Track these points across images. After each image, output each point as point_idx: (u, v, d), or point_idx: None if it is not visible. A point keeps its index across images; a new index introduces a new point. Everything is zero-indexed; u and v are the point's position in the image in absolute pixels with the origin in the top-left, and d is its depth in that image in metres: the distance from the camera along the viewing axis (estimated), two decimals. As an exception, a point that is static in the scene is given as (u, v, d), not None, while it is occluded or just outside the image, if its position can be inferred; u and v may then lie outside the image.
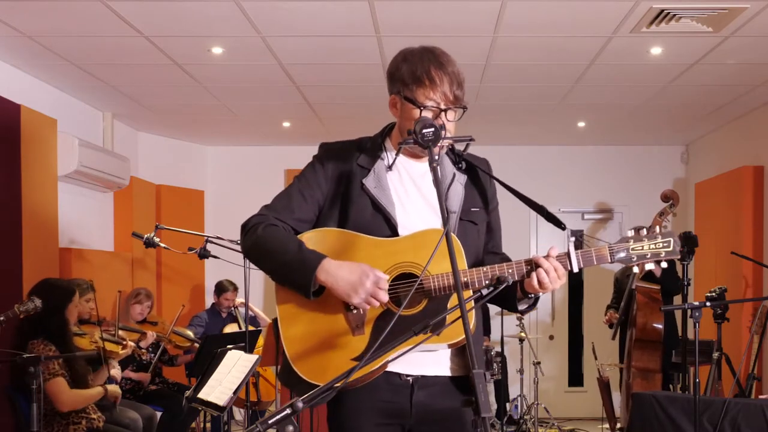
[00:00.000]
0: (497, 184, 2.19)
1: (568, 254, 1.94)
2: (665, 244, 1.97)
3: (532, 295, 2.04)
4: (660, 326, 5.10)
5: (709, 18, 4.06)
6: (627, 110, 6.22)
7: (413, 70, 1.98)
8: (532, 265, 1.94)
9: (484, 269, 1.95)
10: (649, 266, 2.06)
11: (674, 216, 5.54)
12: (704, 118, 6.49)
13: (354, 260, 1.94)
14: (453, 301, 1.95)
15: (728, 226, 6.31)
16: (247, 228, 2.05)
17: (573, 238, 1.98)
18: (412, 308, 1.96)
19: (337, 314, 1.98)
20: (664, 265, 2.00)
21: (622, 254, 1.97)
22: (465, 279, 1.93)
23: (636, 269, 2.05)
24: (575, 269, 1.95)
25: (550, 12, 4.00)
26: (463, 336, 1.92)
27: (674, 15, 4.01)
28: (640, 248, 1.97)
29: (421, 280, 1.95)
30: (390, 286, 1.94)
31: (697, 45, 4.52)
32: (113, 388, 4.27)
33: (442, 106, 1.97)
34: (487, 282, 1.95)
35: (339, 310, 1.98)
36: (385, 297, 1.90)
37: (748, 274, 5.96)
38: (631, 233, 1.99)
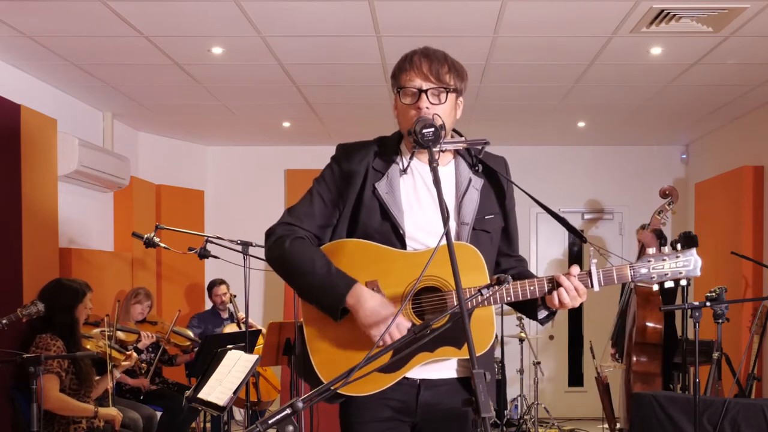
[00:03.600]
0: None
1: (589, 273, 1.96)
2: (686, 263, 1.98)
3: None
4: (660, 327, 5.08)
5: (709, 18, 4.06)
6: (627, 110, 6.22)
7: (399, 61, 2.04)
8: (554, 283, 1.96)
9: (506, 286, 1.94)
10: (669, 284, 2.04)
11: (673, 213, 5.51)
12: (704, 118, 6.49)
13: (375, 272, 1.97)
14: (475, 315, 1.97)
15: (728, 226, 6.31)
16: (272, 237, 2.06)
17: (595, 260, 2.00)
18: (437, 323, 1.98)
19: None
20: (683, 283, 2.01)
21: (643, 271, 1.98)
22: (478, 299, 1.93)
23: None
24: (596, 288, 1.97)
25: (550, 12, 4.00)
26: (485, 350, 1.98)
27: (674, 15, 4.01)
28: (661, 267, 1.98)
29: (444, 295, 1.98)
30: (414, 299, 1.98)
31: (697, 45, 4.52)
32: (108, 411, 4.12)
33: (423, 87, 1.97)
34: (509, 298, 1.97)
35: None
36: (397, 335, 1.92)
37: (748, 274, 5.96)
38: (652, 251, 2.00)
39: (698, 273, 1.98)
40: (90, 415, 4.03)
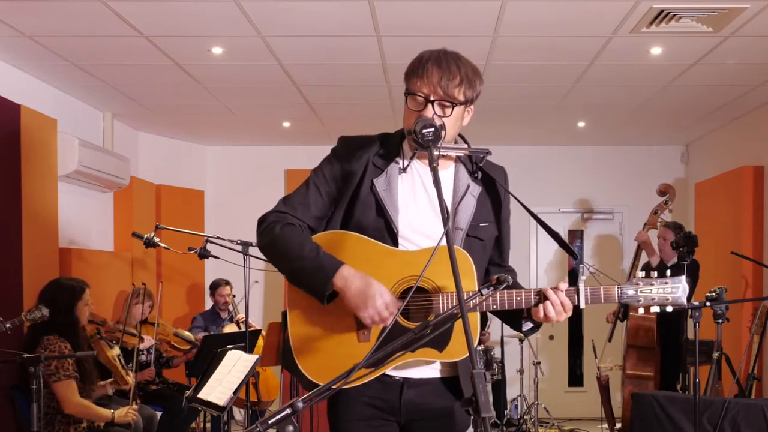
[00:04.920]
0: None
1: (577, 290, 1.97)
2: (673, 290, 2.00)
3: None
4: (652, 329, 5.05)
5: (709, 18, 4.06)
6: (627, 110, 6.22)
7: (414, 63, 2.01)
8: (541, 296, 1.97)
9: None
10: (655, 309, 2.05)
11: (671, 212, 5.48)
12: (704, 118, 6.49)
13: (365, 266, 1.95)
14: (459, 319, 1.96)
15: (728, 226, 6.31)
16: (264, 224, 2.06)
17: (584, 277, 2.03)
18: (419, 323, 1.98)
19: (346, 320, 1.99)
20: (669, 309, 2.02)
21: (630, 293, 2.00)
22: (474, 301, 1.93)
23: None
24: (582, 305, 1.98)
25: (550, 12, 4.00)
26: (465, 356, 1.98)
27: (674, 15, 4.01)
28: (648, 291, 2.00)
29: (430, 296, 1.97)
30: (400, 299, 1.96)
31: (697, 45, 4.52)
32: (123, 414, 4.19)
33: (431, 98, 1.96)
34: (495, 307, 1.97)
35: (348, 315, 1.99)
36: (389, 321, 1.92)
37: (748, 274, 5.95)
38: (641, 274, 2.02)
39: (684, 301, 2.00)
40: (106, 420, 4.10)
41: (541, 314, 1.96)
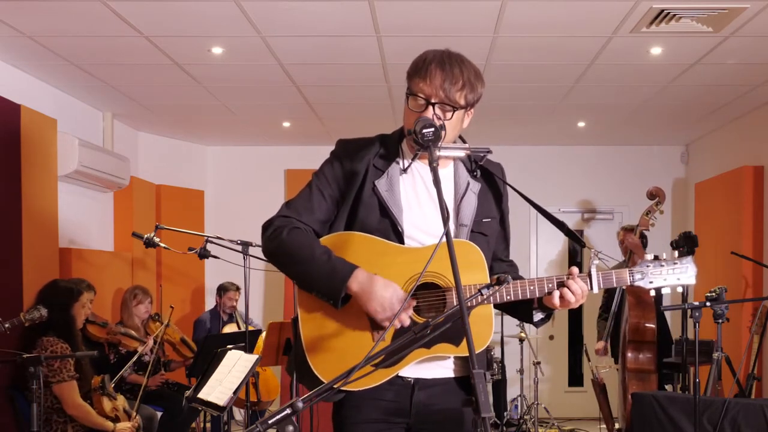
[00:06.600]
0: (512, 192, 2.20)
1: (589, 275, 1.98)
2: (682, 270, 2.03)
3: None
4: (653, 325, 5.06)
5: (709, 18, 4.06)
6: (627, 110, 6.22)
7: (417, 62, 2.00)
8: (554, 283, 1.97)
9: (506, 286, 1.95)
10: (666, 290, 2.08)
11: (661, 213, 5.50)
12: (704, 118, 6.49)
13: (376, 266, 1.95)
14: (474, 313, 1.97)
15: (728, 226, 6.31)
16: (269, 229, 2.04)
17: (596, 261, 2.04)
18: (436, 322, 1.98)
19: (360, 320, 1.98)
20: (680, 290, 2.05)
21: (640, 276, 2.02)
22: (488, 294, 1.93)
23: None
24: (595, 290, 1.99)
25: (550, 12, 4.00)
26: (483, 348, 1.98)
27: (674, 15, 4.01)
28: (659, 273, 2.03)
29: (443, 292, 1.98)
30: (413, 295, 1.95)
31: (697, 45, 4.52)
32: (124, 428, 4.23)
33: (432, 100, 1.96)
34: (509, 298, 1.97)
35: (362, 316, 1.98)
36: (407, 320, 1.92)
37: (748, 274, 5.96)
38: (650, 257, 2.04)
39: (693, 281, 2.02)
40: (108, 431, 4.14)
41: (556, 301, 1.96)
